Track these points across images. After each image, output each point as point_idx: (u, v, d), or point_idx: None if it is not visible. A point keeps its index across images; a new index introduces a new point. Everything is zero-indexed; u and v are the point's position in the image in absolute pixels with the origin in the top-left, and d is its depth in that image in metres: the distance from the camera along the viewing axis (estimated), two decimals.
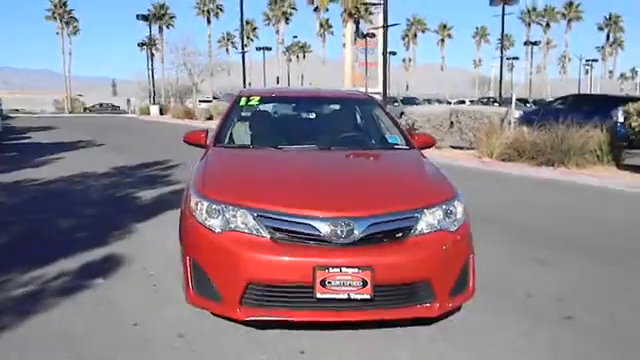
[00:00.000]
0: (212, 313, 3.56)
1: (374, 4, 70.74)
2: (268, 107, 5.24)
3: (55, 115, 50.88)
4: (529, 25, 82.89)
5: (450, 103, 43.41)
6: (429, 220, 3.38)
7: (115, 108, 62.74)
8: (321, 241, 3.19)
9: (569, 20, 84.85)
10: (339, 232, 3.18)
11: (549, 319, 3.81)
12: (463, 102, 45.04)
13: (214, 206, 3.35)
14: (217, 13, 75.52)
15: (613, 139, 11.96)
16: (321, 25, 76.95)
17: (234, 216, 3.29)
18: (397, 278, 3.20)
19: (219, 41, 78.78)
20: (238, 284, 3.17)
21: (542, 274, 4.79)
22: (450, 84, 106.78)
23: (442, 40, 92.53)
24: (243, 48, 29.35)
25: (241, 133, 4.66)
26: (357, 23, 68.63)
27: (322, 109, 5.24)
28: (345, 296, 3.11)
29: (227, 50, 75.43)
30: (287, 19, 74.28)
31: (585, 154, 11.67)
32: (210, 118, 29.01)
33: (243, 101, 4.94)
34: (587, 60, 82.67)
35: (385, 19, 17.19)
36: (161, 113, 40.36)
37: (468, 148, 14.55)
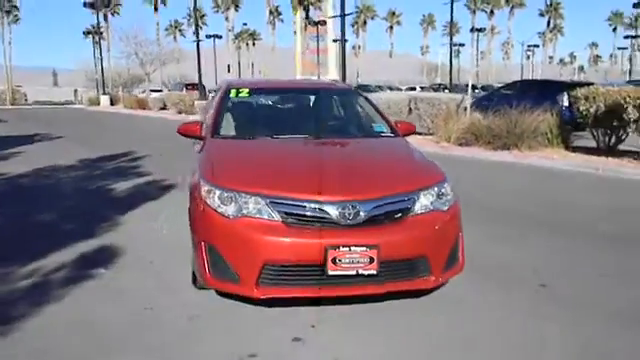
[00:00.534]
0: (220, 294, 3.80)
1: None
2: (257, 99, 5.44)
3: None
4: (474, 12, 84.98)
5: (401, 90, 44.17)
6: (424, 201, 3.71)
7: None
8: (330, 223, 3.48)
9: (512, 7, 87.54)
10: (347, 214, 3.47)
11: (527, 287, 4.24)
12: (414, 89, 45.93)
13: (226, 193, 3.58)
14: (164, 0, 73.86)
15: (562, 123, 12.68)
16: (271, 12, 76.52)
17: (247, 202, 3.53)
18: (399, 255, 3.53)
19: (166, 29, 77.20)
20: (255, 266, 3.43)
21: (509, 250, 5.22)
22: (398, 71, 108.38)
23: (391, 27, 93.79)
24: (197, 36, 29.01)
25: (234, 124, 4.86)
26: (307, 10, 68.72)
27: (309, 100, 5.48)
28: (354, 272, 3.42)
29: (175, 38, 74.04)
30: (237, 6, 73.49)
31: (537, 137, 12.34)
32: (164, 108, 28.64)
33: (233, 93, 5.14)
34: (529, 46, 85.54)
35: (342, 6, 17.46)
36: (111, 103, 39.41)
37: (427, 134, 15.07)
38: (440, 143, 13.66)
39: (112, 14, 67.94)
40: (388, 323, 3.62)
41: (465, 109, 15.00)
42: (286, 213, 3.49)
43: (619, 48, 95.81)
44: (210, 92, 29.72)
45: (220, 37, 46.34)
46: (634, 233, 5.85)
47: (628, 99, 10.09)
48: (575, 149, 12.21)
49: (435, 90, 39.32)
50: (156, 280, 4.44)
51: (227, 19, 74.13)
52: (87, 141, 15.99)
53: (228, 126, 4.77)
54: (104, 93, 41.67)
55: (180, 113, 24.93)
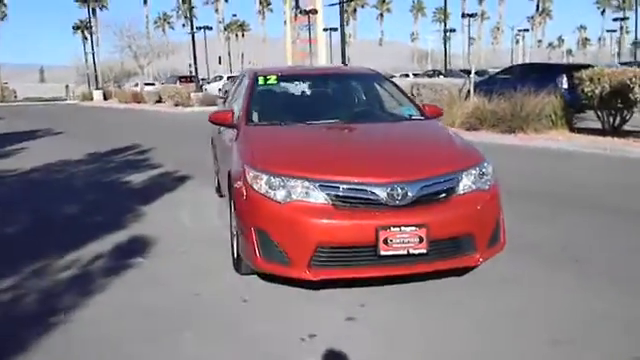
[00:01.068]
0: (264, 278, 3.85)
1: None
2: (285, 85, 5.44)
3: None
4: None
5: (394, 77, 44.18)
6: (467, 181, 3.77)
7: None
8: (379, 204, 3.52)
9: None
10: (395, 195, 3.52)
11: (563, 263, 4.31)
12: (407, 76, 45.87)
13: (275, 179, 3.61)
14: None
15: (565, 105, 12.76)
16: (260, 3, 76.09)
17: (296, 187, 3.56)
18: (446, 233, 3.59)
19: (155, 22, 76.70)
20: (307, 248, 3.47)
21: (540, 228, 5.30)
22: (389, 58, 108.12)
23: (381, 15, 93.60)
24: (192, 27, 28.83)
25: (266, 111, 4.86)
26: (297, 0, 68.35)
27: (335, 85, 5.51)
28: (404, 252, 3.47)
29: (164, 31, 73.49)
30: None
31: (541, 120, 12.43)
32: (159, 101, 28.50)
33: (261, 80, 5.15)
34: (519, 30, 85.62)
35: None
36: (105, 98, 39.12)
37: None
38: None
39: (100, 8, 67.31)
40: (436, 300, 3.69)
41: (468, 93, 15.07)
42: (336, 196, 3.53)
43: (608, 31, 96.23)
44: (204, 84, 29.64)
45: (210, 29, 46.07)
46: None
47: (634, 79, 10.16)
48: (579, 130, 12.30)
49: (430, 76, 39.33)
50: (194, 268, 4.47)
51: (217, 11, 73.77)
52: (89, 136, 15.94)
53: (260, 113, 4.78)
54: (97, 88, 41.33)
55: (177, 106, 24.84)
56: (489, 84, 18.39)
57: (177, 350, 3.13)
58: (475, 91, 17.51)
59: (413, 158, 3.98)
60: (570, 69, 20.06)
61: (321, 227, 3.47)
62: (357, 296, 3.73)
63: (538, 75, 18.68)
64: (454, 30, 75.71)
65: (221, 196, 6.83)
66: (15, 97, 53.25)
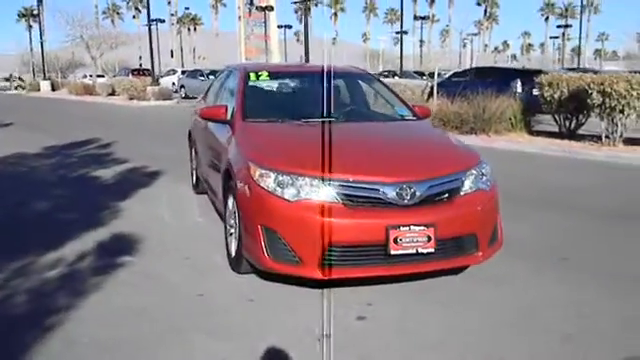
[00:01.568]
0: (264, 277, 3.80)
1: None
2: (277, 82, 5.36)
3: None
4: (415, 0, 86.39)
5: None
6: (469, 182, 3.83)
7: None
8: (387, 204, 3.53)
9: None
10: (404, 195, 3.54)
11: (550, 260, 4.46)
12: None
13: (283, 177, 3.56)
14: None
15: (524, 108, 13.19)
16: None
17: (306, 185, 3.52)
18: (452, 233, 3.63)
19: (104, 12, 74.27)
20: (318, 247, 3.43)
21: (517, 227, 5.43)
22: (341, 58, 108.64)
23: (335, 14, 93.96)
24: (149, 19, 27.96)
25: (260, 108, 4.77)
26: None
27: (327, 83, 5.47)
28: (414, 251, 3.49)
29: (113, 22, 71.26)
30: None
31: (502, 122, 12.80)
32: (112, 94, 27.65)
33: (253, 77, 5.07)
34: (467, 34, 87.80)
35: None
36: (53, 89, 37.54)
37: None
38: None
39: None
40: (437, 297, 3.74)
41: (430, 95, 15.34)
42: (346, 195, 3.52)
43: (551, 37, 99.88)
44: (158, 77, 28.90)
45: (163, 21, 44.88)
46: (620, 208, 6.21)
47: (592, 85, 10.58)
48: (537, 133, 12.73)
49: (385, 77, 39.80)
50: (188, 267, 4.35)
51: (169, 3, 72.20)
52: (43, 128, 15.26)
53: (254, 110, 4.68)
54: (45, 78, 39.58)
55: (132, 99, 24.15)
56: (446, 86, 18.84)
57: (190, 353, 3.04)
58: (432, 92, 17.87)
59: (418, 158, 4.02)
60: (524, 73, 20.85)
61: (332, 226, 3.44)
62: (362, 295, 3.73)
63: (493, 78, 19.28)
64: (406, 32, 76.85)
65: (199, 193, 6.71)
66: None
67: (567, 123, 12.28)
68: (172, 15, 72.87)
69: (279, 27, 66.48)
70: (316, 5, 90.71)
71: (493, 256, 3.95)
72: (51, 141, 11.58)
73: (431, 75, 41.99)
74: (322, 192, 3.52)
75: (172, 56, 59.72)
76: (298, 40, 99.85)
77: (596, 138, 11.26)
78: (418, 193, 3.57)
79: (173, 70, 38.59)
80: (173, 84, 32.72)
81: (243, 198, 3.79)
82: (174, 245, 4.86)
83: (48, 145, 11.05)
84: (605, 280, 4.10)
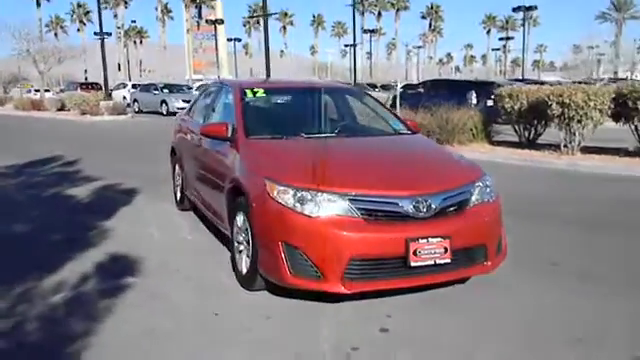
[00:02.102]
0: (277, 293, 3.82)
1: None
2: (272, 99, 5.39)
3: None
4: (363, 14, 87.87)
5: None
6: (477, 194, 3.98)
7: None
8: (405, 217, 3.63)
9: (397, 9, 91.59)
10: (421, 207, 3.64)
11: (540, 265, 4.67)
12: None
13: (302, 193, 3.60)
14: None
15: (485, 119, 13.65)
16: (161, 10, 73.95)
17: (326, 200, 3.57)
18: (465, 243, 3.76)
19: (47, 25, 71.89)
20: (340, 262, 3.49)
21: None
22: (291, 71, 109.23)
23: (284, 27, 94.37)
24: (102, 31, 27.29)
25: (261, 125, 4.78)
26: (199, 8, 67.19)
27: (321, 99, 5.53)
28: (432, 262, 3.60)
29: (56, 35, 69.07)
30: (126, 3, 70.17)
31: (465, 133, 13.21)
32: (62, 109, 26.77)
33: (249, 93, 5.08)
34: (413, 47, 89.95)
35: (264, 6, 17.29)
36: None
37: None
38: None
39: None
40: (451, 306, 3.86)
41: (393, 107, 15.65)
42: (364, 209, 3.59)
43: (493, 49, 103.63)
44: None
45: (110, 34, 43.69)
46: (593, 216, 6.55)
47: (552, 97, 11.09)
48: (498, 143, 13.19)
49: None
50: (194, 286, 4.31)
51: (116, 16, 70.62)
52: None
53: (255, 127, 4.68)
54: None
55: (84, 114, 23.42)
56: (404, 98, 19.27)
57: None
58: (391, 104, 18.25)
59: (429, 171, 4.14)
60: (478, 85, 21.58)
61: (354, 240, 3.51)
62: (378, 307, 3.80)
63: (449, 90, 19.91)
64: (355, 45, 78.05)
65: (183, 209, 6.63)
66: None
67: (526, 133, 12.81)
68: (118, 28, 71.29)
69: (229, 40, 66.41)
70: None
71: (500, 265, 4.10)
72: (10, 159, 11.13)
73: (384, 87, 42.72)
74: (341, 207, 3.58)
75: (119, 69, 58.35)
76: (247, 53, 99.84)
77: (554, 147, 11.75)
78: (433, 206, 3.69)
79: (123, 84, 37.77)
80: (124, 98, 32.02)
81: (260, 215, 3.79)
82: (174, 265, 4.78)
83: (8, 164, 10.60)
84: (597, 283, 4.32)
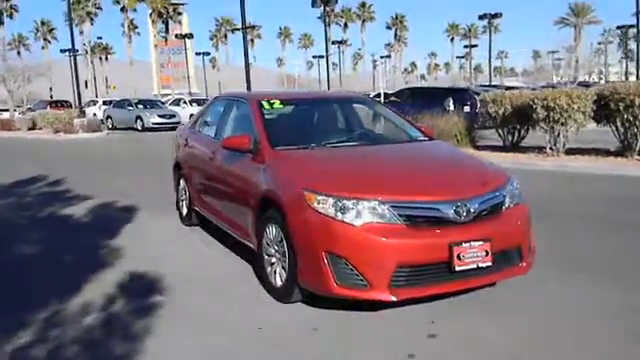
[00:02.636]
0: (308, 303, 3.80)
1: (182, 4, 69.57)
2: (290, 110, 5.35)
3: None
4: (329, 25, 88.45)
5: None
6: (509, 197, 4.03)
7: None
8: (447, 222, 3.65)
9: (363, 20, 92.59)
10: (461, 212, 3.67)
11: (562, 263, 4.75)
12: None
13: (345, 202, 3.58)
14: (11, 14, 67.24)
15: (470, 124, 13.87)
16: (128, 26, 73.16)
17: (368, 208, 3.56)
18: (503, 246, 3.80)
19: (9, 43, 70.23)
20: (386, 269, 3.48)
21: None
22: (260, 83, 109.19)
23: (252, 40, 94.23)
24: (73, 48, 26.80)
25: (283, 136, 4.74)
26: (166, 23, 66.85)
27: (337, 109, 5.55)
28: (475, 266, 3.62)
29: (19, 53, 67.39)
30: (92, 19, 69.16)
31: (450, 139, 13.39)
32: (33, 128, 26.18)
33: (267, 105, 5.05)
34: (381, 57, 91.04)
35: (243, 20, 17.22)
36: None
37: None
38: None
39: None
40: (488, 308, 3.90)
41: None
42: (407, 216, 3.59)
43: (457, 57, 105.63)
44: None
45: (77, 51, 42.91)
46: (592, 213, 6.70)
47: (537, 100, 11.35)
48: (482, 147, 13.40)
49: None
50: (226, 301, 4.24)
51: (82, 33, 69.51)
52: None
53: (278, 138, 4.65)
54: None
55: (57, 132, 22.92)
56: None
57: None
58: None
59: (462, 176, 4.17)
60: (454, 92, 21.96)
61: (400, 247, 3.51)
62: (419, 314, 3.80)
63: (426, 97, 20.18)
64: (322, 56, 78.57)
65: (190, 225, 6.54)
66: None
67: (510, 137, 13.06)
68: (84, 45, 70.17)
69: (197, 54, 66.09)
70: (232, 32, 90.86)
71: (533, 266, 4.15)
72: None
73: None
74: (383, 214, 3.57)
75: (87, 86, 57.34)
76: (214, 67, 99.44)
77: (538, 150, 12.01)
78: (472, 210, 3.72)
79: (93, 101, 37.18)
80: (94, 115, 31.49)
81: (299, 226, 3.75)
82: (198, 280, 4.70)
83: None
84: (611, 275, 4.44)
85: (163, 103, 31.16)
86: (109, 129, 27.18)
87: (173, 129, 26.76)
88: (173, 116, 26.60)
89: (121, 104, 28.89)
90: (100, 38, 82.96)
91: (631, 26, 68.07)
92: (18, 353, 3.42)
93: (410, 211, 3.61)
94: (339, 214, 3.58)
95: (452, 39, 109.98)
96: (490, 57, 50.56)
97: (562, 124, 11.17)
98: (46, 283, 4.78)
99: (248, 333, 3.63)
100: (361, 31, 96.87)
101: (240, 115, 5.37)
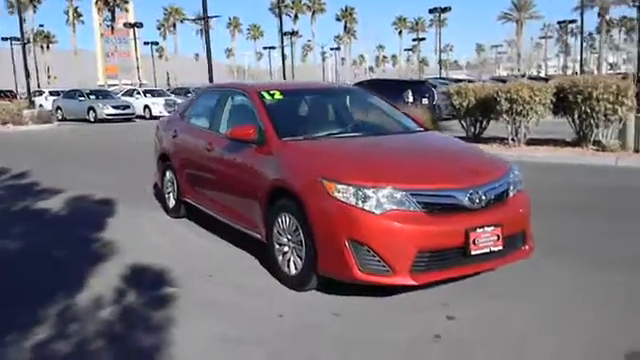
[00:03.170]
0: (324, 289, 3.90)
1: None
2: (290, 101, 5.36)
3: None
4: (280, 17, 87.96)
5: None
6: (512, 184, 4.23)
7: None
8: (462, 208, 3.81)
9: (313, 12, 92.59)
10: (475, 198, 3.84)
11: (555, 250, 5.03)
12: None
13: (366, 190, 3.68)
14: None
15: (434, 116, 14.23)
16: (73, 14, 70.43)
17: (388, 196, 3.68)
18: (512, 231, 4.00)
19: None
20: (408, 255, 3.61)
21: None
22: (206, 73, 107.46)
23: (201, 30, 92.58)
24: (22, 37, 25.64)
25: (288, 126, 4.77)
26: (113, 11, 64.80)
27: (336, 100, 5.60)
28: (488, 250, 3.81)
29: None
30: (35, 7, 66.16)
31: None
32: None
33: (267, 96, 5.07)
34: (331, 48, 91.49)
35: (204, 9, 16.90)
36: None
37: None
38: None
39: None
40: (496, 292, 4.08)
41: None
42: (425, 203, 3.73)
43: (405, 49, 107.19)
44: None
45: (19, 40, 40.99)
46: (564, 200, 7.07)
47: (500, 93, 11.77)
48: None
49: None
50: (238, 289, 4.28)
51: (25, 21, 66.24)
52: None
53: (284, 128, 4.68)
54: None
55: (5, 124, 21.93)
56: None
57: None
58: None
59: (470, 165, 4.33)
60: (412, 84, 22.42)
61: (420, 233, 3.65)
62: (432, 297, 3.96)
63: (386, 90, 20.44)
64: (274, 47, 78.25)
65: (177, 217, 6.49)
66: None
67: (472, 128, 13.47)
68: (26, 33, 66.98)
69: (145, 44, 64.36)
70: (182, 22, 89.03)
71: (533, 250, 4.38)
72: None
73: None
74: (403, 201, 3.70)
75: (29, 76, 54.82)
76: (161, 57, 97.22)
77: (499, 141, 12.47)
78: (484, 197, 3.89)
79: (39, 91, 35.74)
80: (40, 106, 30.27)
81: (320, 215, 3.82)
82: (203, 271, 4.69)
83: None
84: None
85: (116, 94, 30.28)
86: (59, 120, 26.23)
87: (127, 120, 26.35)
88: (127, 107, 25.95)
89: (72, 95, 27.91)
90: (42, 26, 79.54)
91: (571, 21, 71.48)
92: (38, 349, 3.36)
93: (428, 198, 3.75)
94: (360, 202, 3.68)
95: (400, 32, 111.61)
96: (440, 50, 51.57)
97: (524, 116, 11.63)
98: (46, 278, 4.67)
99: (270, 321, 3.69)
100: (311, 23, 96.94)
101: (238, 106, 5.37)
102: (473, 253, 3.74)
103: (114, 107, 25.61)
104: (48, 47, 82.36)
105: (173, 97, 28.92)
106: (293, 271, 4.16)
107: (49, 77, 76.89)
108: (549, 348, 3.27)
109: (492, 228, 3.81)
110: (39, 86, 51.49)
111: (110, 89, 39.04)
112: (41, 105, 30.82)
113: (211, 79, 18.71)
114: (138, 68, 50.87)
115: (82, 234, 5.95)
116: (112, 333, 3.54)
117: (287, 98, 5.27)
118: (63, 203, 7.62)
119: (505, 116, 11.88)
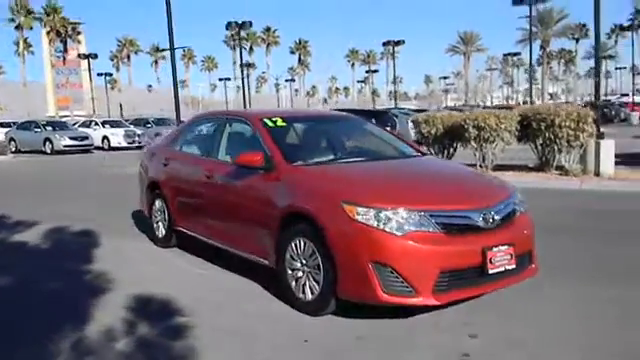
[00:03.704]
0: (346, 311, 3.92)
1: (80, 23, 66.52)
2: (291, 128, 5.38)
3: None
4: (234, 48, 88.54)
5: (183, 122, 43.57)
6: (518, 205, 4.38)
7: None
8: (477, 228, 3.92)
9: (268, 44, 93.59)
10: (488, 219, 3.96)
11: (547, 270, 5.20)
12: None
13: (387, 213, 3.74)
14: None
15: None
16: (23, 45, 68.75)
17: (409, 218, 3.75)
18: (522, 250, 4.13)
19: None
20: (430, 276, 3.68)
21: None
22: (162, 105, 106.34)
23: (156, 62, 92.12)
24: None
25: (295, 152, 4.82)
26: (65, 42, 63.57)
27: (336, 128, 5.66)
28: (503, 269, 3.92)
29: None
30: None
31: None
32: None
33: (270, 123, 5.10)
34: (286, 80, 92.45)
35: (171, 41, 16.80)
36: None
37: None
38: None
39: None
40: (507, 310, 4.19)
41: None
42: (443, 224, 3.82)
43: (358, 81, 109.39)
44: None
45: None
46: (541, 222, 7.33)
47: (468, 121, 12.18)
48: None
49: None
50: (255, 317, 4.22)
51: None
52: None
53: (291, 154, 4.72)
54: None
55: None
56: None
57: None
58: None
59: (479, 187, 4.47)
60: (375, 114, 22.94)
61: (442, 253, 3.73)
62: (452, 317, 4.02)
63: None
64: (229, 79, 78.50)
65: (167, 246, 6.37)
66: None
67: (440, 155, 13.83)
68: None
69: (99, 75, 63.29)
70: (136, 53, 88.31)
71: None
72: None
73: None
74: (423, 223, 3.77)
75: None
76: (113, 88, 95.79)
77: (468, 166, 12.82)
78: (496, 217, 4.02)
79: None
80: None
81: (340, 238, 3.84)
82: (212, 300, 4.62)
83: None
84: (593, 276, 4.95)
85: (74, 124, 29.54)
86: (12, 152, 25.36)
87: (85, 152, 25.69)
88: (86, 138, 25.36)
89: (26, 126, 27.07)
90: None
91: (515, 54, 74.76)
92: None
93: (446, 219, 3.84)
94: (381, 224, 3.73)
95: (352, 64, 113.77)
96: (395, 81, 53.06)
97: (491, 142, 12.04)
98: (46, 312, 4.48)
99: (295, 346, 3.66)
100: (266, 54, 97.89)
101: (238, 133, 5.38)
102: (490, 272, 3.84)
103: (71, 138, 24.98)
104: None
105: (132, 128, 28.46)
106: (310, 296, 4.15)
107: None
108: None
109: (506, 247, 3.94)
110: None
111: (62, 120, 38.10)
112: None
113: (177, 108, 18.46)
114: (93, 99, 49.83)
115: (70, 267, 5.76)
116: None
117: (289, 125, 5.32)
118: (40, 236, 7.34)
119: (473, 143, 12.28)
